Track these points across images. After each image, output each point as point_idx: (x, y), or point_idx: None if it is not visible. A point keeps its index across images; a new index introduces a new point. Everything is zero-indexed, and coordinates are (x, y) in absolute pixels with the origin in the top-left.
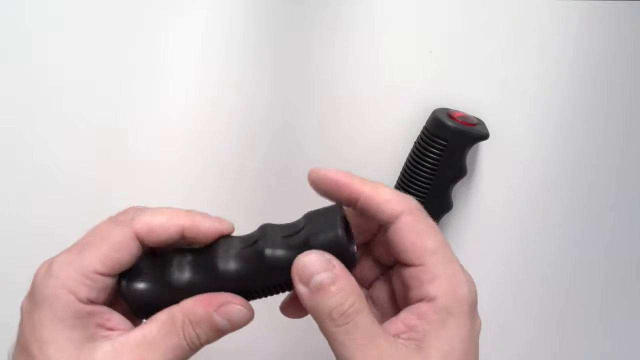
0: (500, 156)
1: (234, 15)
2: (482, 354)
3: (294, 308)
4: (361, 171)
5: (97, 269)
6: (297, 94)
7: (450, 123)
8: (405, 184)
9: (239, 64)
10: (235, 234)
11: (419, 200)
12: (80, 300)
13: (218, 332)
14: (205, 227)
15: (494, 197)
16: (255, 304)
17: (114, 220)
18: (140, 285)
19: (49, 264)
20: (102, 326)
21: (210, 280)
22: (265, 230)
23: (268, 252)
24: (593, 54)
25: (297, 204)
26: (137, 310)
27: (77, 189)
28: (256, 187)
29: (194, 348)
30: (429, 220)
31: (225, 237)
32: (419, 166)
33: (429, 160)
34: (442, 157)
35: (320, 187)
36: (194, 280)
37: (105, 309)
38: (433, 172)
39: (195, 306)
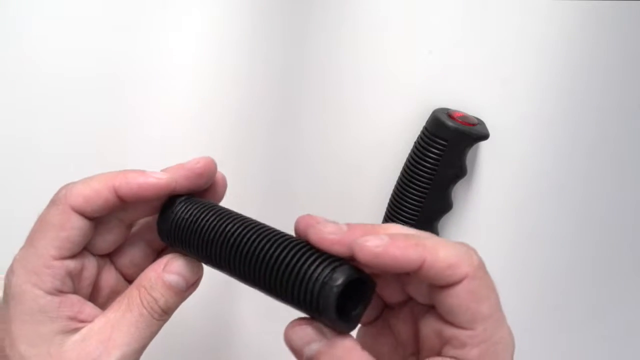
0: (500, 156)
1: (234, 16)
2: None
3: None
4: (361, 171)
5: (52, 254)
6: (296, 95)
7: (450, 123)
8: (405, 184)
9: (239, 65)
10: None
11: (419, 201)
12: (48, 292)
13: (174, 291)
14: (139, 182)
15: (494, 197)
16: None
17: (51, 202)
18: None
19: (11, 265)
20: (74, 319)
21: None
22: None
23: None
24: (593, 54)
25: (296, 204)
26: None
27: None
28: (256, 188)
29: (157, 316)
30: (488, 280)
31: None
32: (419, 166)
33: (429, 160)
34: (442, 157)
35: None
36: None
37: (76, 299)
38: (433, 172)
39: (147, 273)
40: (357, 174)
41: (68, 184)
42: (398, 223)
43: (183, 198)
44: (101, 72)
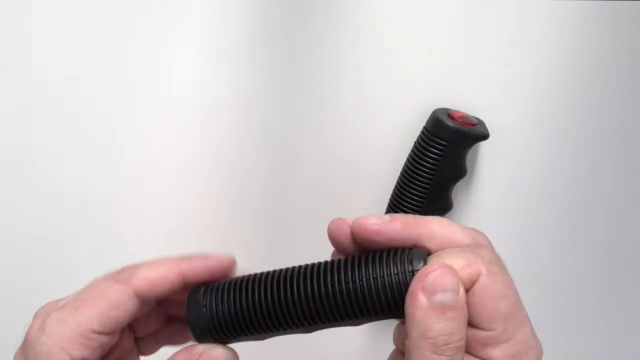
0: (500, 156)
1: (235, 16)
2: None
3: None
4: (362, 171)
5: (94, 328)
6: (296, 95)
7: (450, 123)
8: (405, 184)
9: (239, 65)
10: (232, 232)
11: (419, 201)
12: (74, 359)
13: None
14: (204, 267)
15: (494, 197)
16: None
17: (112, 278)
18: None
19: (42, 320)
20: None
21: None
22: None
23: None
24: (593, 54)
25: (295, 205)
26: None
27: (76, 189)
28: (256, 187)
29: None
30: (504, 276)
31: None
32: (419, 166)
33: (429, 160)
34: (442, 157)
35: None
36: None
37: None
38: (433, 172)
39: None
40: (357, 174)
41: (131, 265)
42: None
43: (203, 289)
44: (101, 71)
